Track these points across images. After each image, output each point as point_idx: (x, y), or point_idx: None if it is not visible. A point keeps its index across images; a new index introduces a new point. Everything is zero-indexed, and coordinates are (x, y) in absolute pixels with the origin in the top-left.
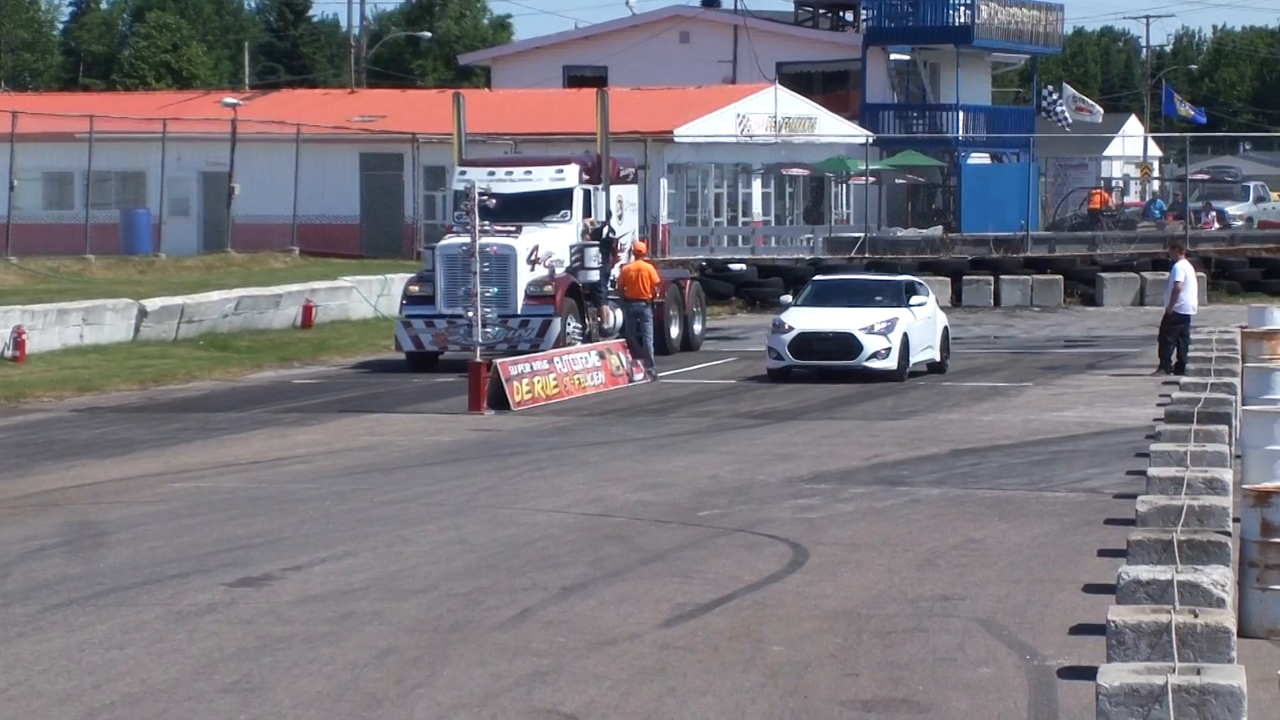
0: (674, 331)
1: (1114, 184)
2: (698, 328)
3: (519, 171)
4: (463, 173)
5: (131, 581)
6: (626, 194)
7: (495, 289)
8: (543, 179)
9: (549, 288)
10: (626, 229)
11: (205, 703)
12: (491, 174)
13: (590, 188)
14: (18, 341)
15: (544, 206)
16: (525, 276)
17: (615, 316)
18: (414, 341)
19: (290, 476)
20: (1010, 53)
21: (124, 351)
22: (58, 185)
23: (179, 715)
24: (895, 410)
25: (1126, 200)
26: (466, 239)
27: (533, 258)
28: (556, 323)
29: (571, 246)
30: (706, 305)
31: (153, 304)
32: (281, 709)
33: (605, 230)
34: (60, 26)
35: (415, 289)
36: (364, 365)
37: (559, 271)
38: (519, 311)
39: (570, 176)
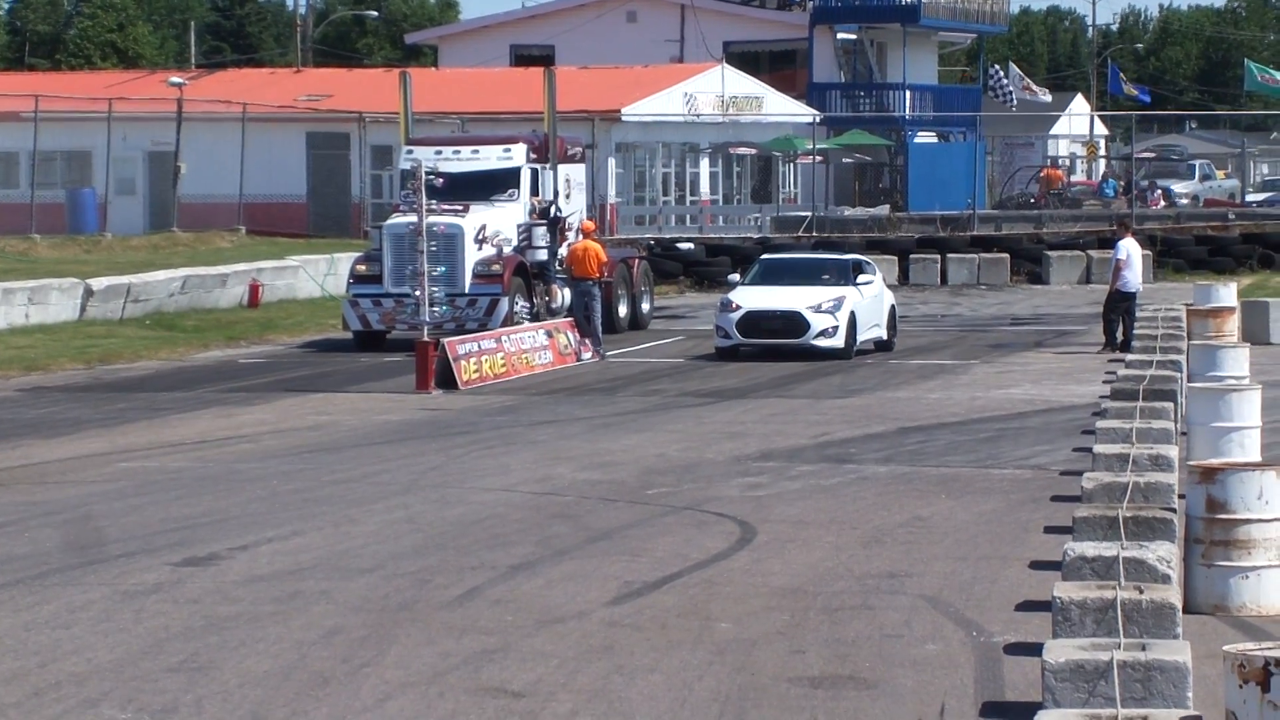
0: (622, 310)
1: (1060, 162)
2: (646, 306)
3: (466, 150)
4: (409, 152)
5: (78, 561)
6: (574, 173)
7: (443, 268)
8: (490, 158)
9: (496, 267)
10: (574, 208)
11: (151, 682)
12: (439, 153)
13: (538, 167)
14: None
15: (491, 186)
16: (473, 256)
17: (563, 295)
18: (361, 320)
19: (237, 456)
20: (957, 32)
21: (70, 331)
22: (3, 165)
23: (125, 694)
24: (842, 388)
25: (1074, 179)
26: (414, 218)
27: (480, 237)
28: (504, 302)
29: (519, 226)
30: (654, 284)
31: (99, 283)
32: (228, 688)
33: (552, 209)
34: (5, 6)
35: (362, 268)
36: (311, 344)
37: (506, 251)
38: (466, 290)
39: (517, 156)
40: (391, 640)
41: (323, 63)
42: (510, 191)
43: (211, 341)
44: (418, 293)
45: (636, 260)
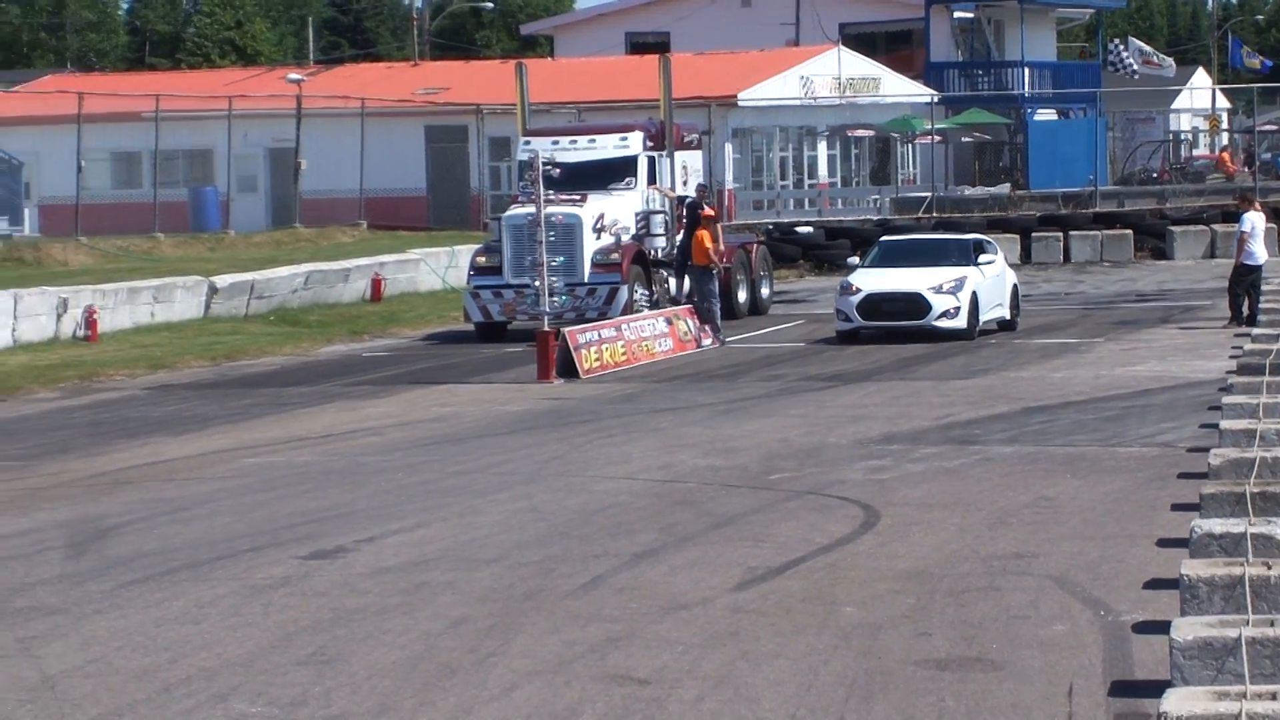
0: (741, 296)
1: (1183, 137)
2: (765, 291)
3: (583, 140)
4: (527, 143)
5: (206, 557)
6: (691, 160)
7: (562, 258)
8: (607, 147)
9: (615, 255)
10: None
11: (281, 675)
12: (555, 143)
13: (654, 154)
14: (90, 321)
15: (609, 174)
16: (591, 245)
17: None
18: (482, 312)
19: (362, 449)
20: (1075, 7)
21: (195, 328)
22: (126, 165)
23: (255, 688)
24: (966, 369)
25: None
26: (532, 209)
27: (598, 226)
28: (623, 290)
29: (637, 214)
30: (774, 269)
31: (222, 281)
32: (356, 680)
33: (699, 197)
34: (125, 6)
35: (482, 260)
36: (433, 337)
37: (625, 239)
38: (586, 280)
39: (634, 144)
40: (517, 629)
41: (439, 56)
42: (628, 180)
43: (335, 336)
44: (537, 283)
45: (755, 245)
